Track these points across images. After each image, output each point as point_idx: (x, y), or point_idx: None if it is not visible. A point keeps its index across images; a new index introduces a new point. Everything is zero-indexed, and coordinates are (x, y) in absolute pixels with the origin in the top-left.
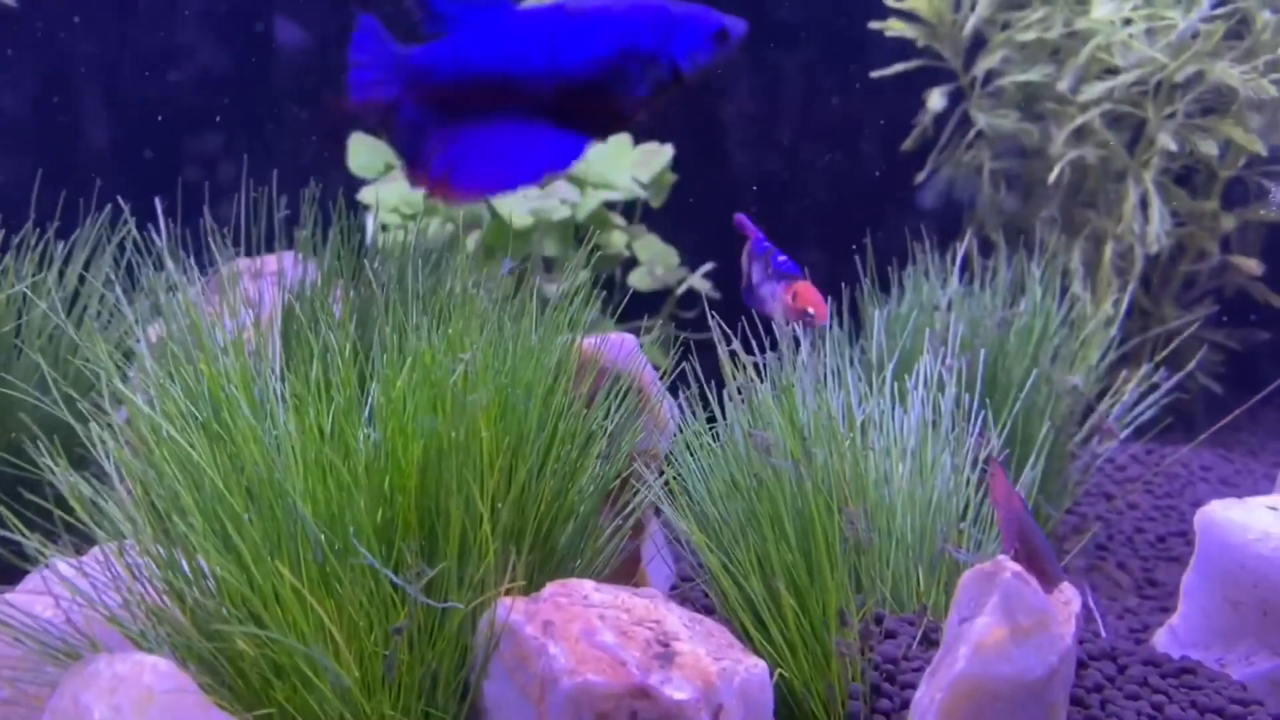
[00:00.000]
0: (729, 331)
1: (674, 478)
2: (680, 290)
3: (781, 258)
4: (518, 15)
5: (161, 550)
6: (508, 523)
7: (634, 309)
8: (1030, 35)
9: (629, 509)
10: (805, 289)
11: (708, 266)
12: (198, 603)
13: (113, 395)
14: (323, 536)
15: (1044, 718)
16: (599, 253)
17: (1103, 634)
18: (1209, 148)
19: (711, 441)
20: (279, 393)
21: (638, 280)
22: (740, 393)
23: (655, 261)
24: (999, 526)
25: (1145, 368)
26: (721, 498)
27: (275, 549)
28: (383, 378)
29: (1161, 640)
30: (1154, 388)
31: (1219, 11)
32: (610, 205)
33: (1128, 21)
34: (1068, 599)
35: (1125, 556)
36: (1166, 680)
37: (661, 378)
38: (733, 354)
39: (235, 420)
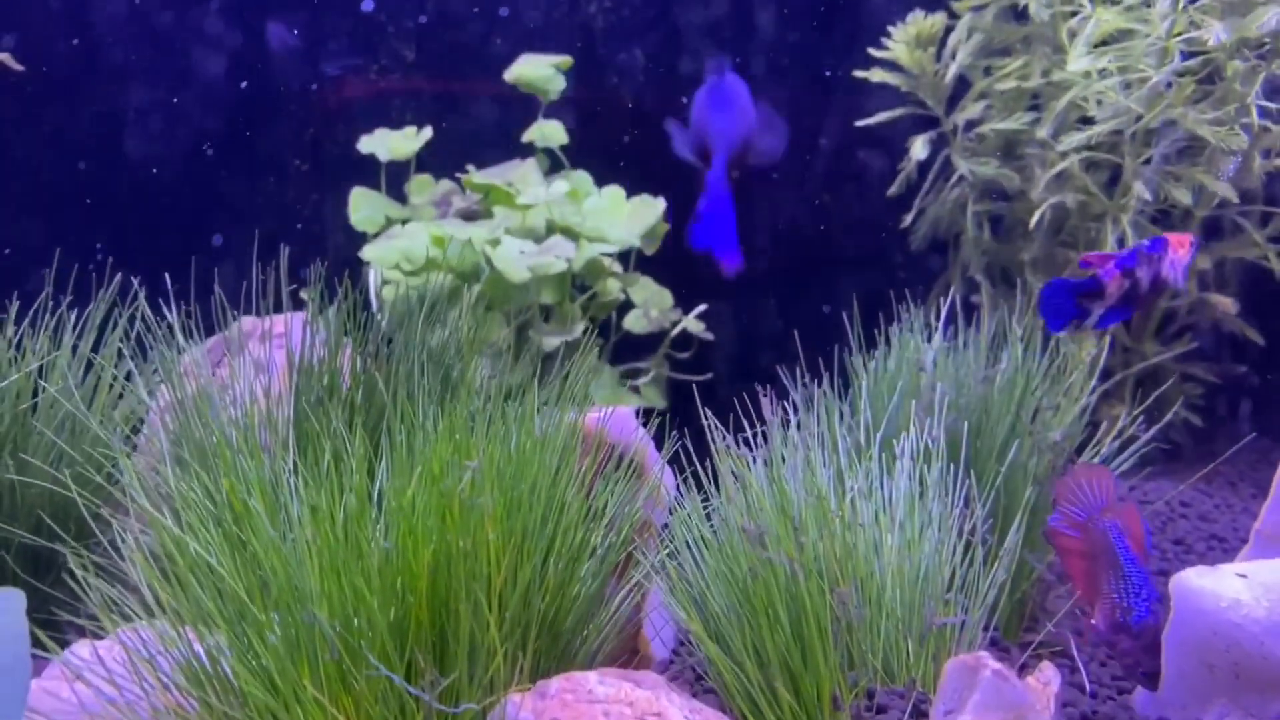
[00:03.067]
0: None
1: (668, 557)
2: (675, 332)
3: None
4: None
5: (183, 653)
6: (515, 615)
7: (628, 352)
8: (1009, 84)
9: (629, 584)
10: (1174, 239)
11: (701, 308)
12: (219, 710)
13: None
14: (338, 638)
15: None
16: (595, 299)
17: (1087, 687)
18: (1182, 194)
19: (704, 524)
20: (292, 486)
21: (633, 323)
22: (735, 477)
23: (650, 304)
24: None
25: (1124, 412)
26: (716, 582)
27: (294, 652)
28: (392, 483)
29: (1140, 700)
30: (1135, 437)
31: (1191, 63)
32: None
33: (1104, 72)
34: (1048, 679)
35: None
36: None
37: (654, 421)
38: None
39: (256, 531)
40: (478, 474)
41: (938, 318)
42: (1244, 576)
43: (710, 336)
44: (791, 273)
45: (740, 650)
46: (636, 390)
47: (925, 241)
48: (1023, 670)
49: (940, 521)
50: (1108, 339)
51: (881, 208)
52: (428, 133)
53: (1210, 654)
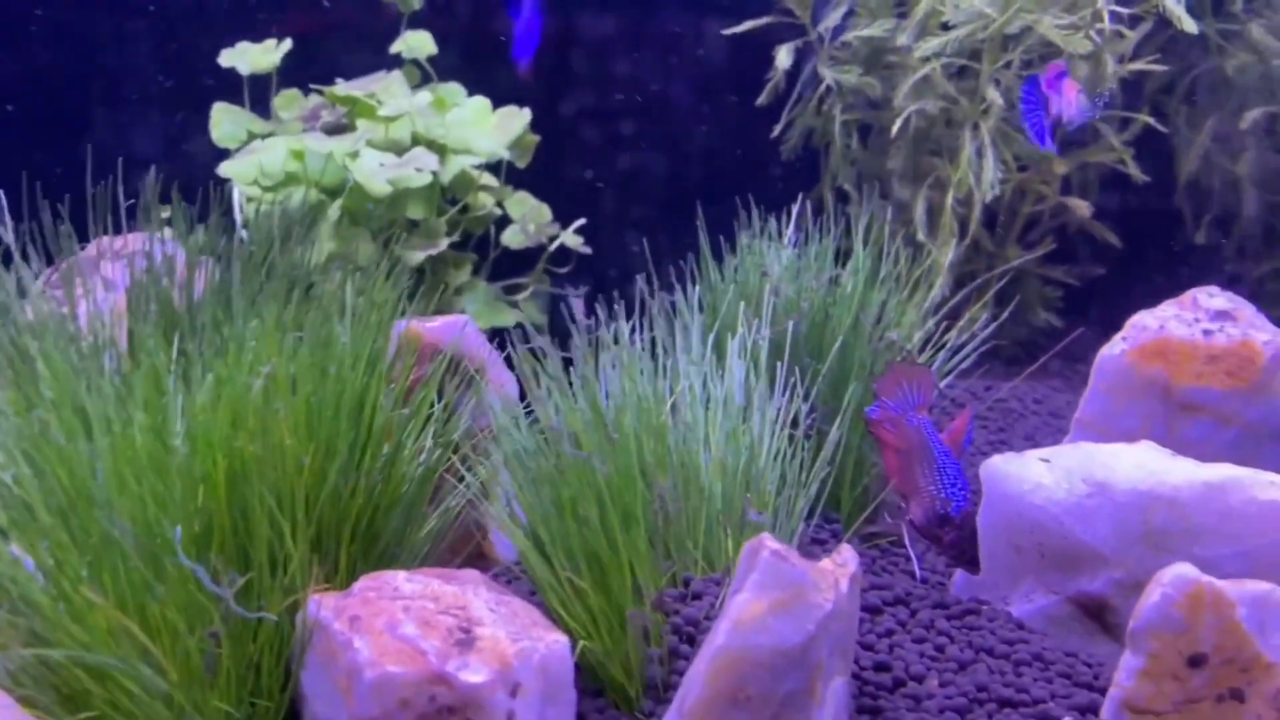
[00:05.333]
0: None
1: (482, 463)
2: (553, 247)
3: None
4: None
5: None
6: (328, 521)
7: (511, 268)
8: None
9: (457, 493)
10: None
11: (580, 222)
12: (15, 619)
13: None
14: (140, 547)
15: (806, 678)
16: (469, 214)
17: (918, 574)
18: None
19: (530, 430)
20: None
21: (510, 238)
22: (537, 380)
23: (527, 219)
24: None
25: (986, 313)
26: (533, 484)
27: (96, 560)
28: (186, 397)
29: (957, 582)
30: (983, 328)
31: None
32: (486, 168)
33: None
34: (844, 560)
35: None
36: (951, 623)
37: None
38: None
39: (47, 441)
40: (271, 380)
41: (811, 225)
42: (1046, 461)
43: (589, 250)
44: (666, 186)
45: (550, 545)
46: (515, 305)
47: (797, 151)
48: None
49: (764, 416)
50: (948, 252)
51: (756, 117)
52: (287, 44)
53: (1017, 535)
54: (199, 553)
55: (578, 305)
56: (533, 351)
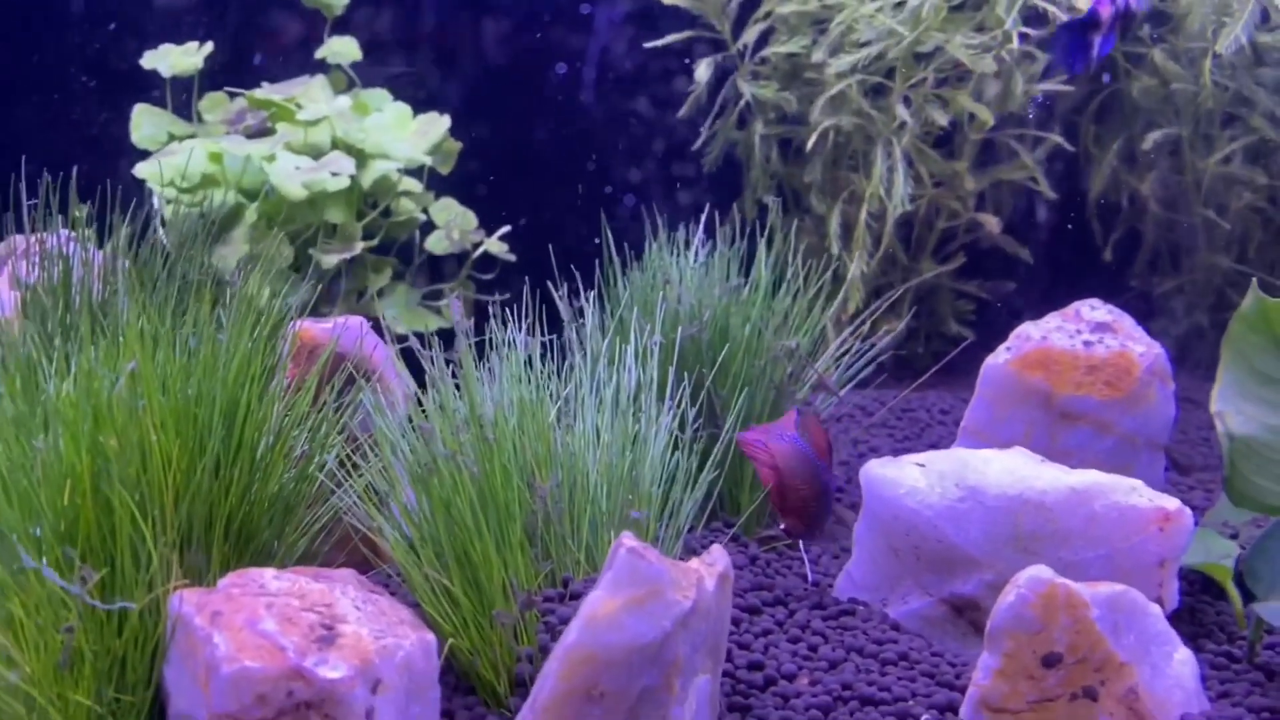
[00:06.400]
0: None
1: (364, 465)
2: (477, 254)
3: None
4: None
5: None
6: (198, 518)
7: (437, 274)
8: (790, 8)
9: (340, 494)
10: None
11: (504, 229)
12: None
13: None
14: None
15: (662, 674)
16: (390, 219)
17: (810, 577)
18: (940, 117)
19: (408, 433)
20: None
21: (435, 244)
22: (433, 384)
23: (452, 225)
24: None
25: (899, 325)
26: (414, 484)
27: None
28: (52, 391)
29: (840, 583)
30: (886, 340)
31: None
32: (412, 174)
33: None
34: (712, 560)
35: (858, 498)
36: (827, 623)
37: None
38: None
39: None
40: (135, 376)
41: (727, 236)
42: (922, 465)
43: (513, 258)
44: (586, 195)
45: (419, 544)
46: (437, 311)
47: (718, 164)
48: (756, 562)
49: (650, 418)
50: (856, 265)
51: (679, 130)
52: (209, 47)
53: (893, 538)
54: (60, 547)
55: (456, 308)
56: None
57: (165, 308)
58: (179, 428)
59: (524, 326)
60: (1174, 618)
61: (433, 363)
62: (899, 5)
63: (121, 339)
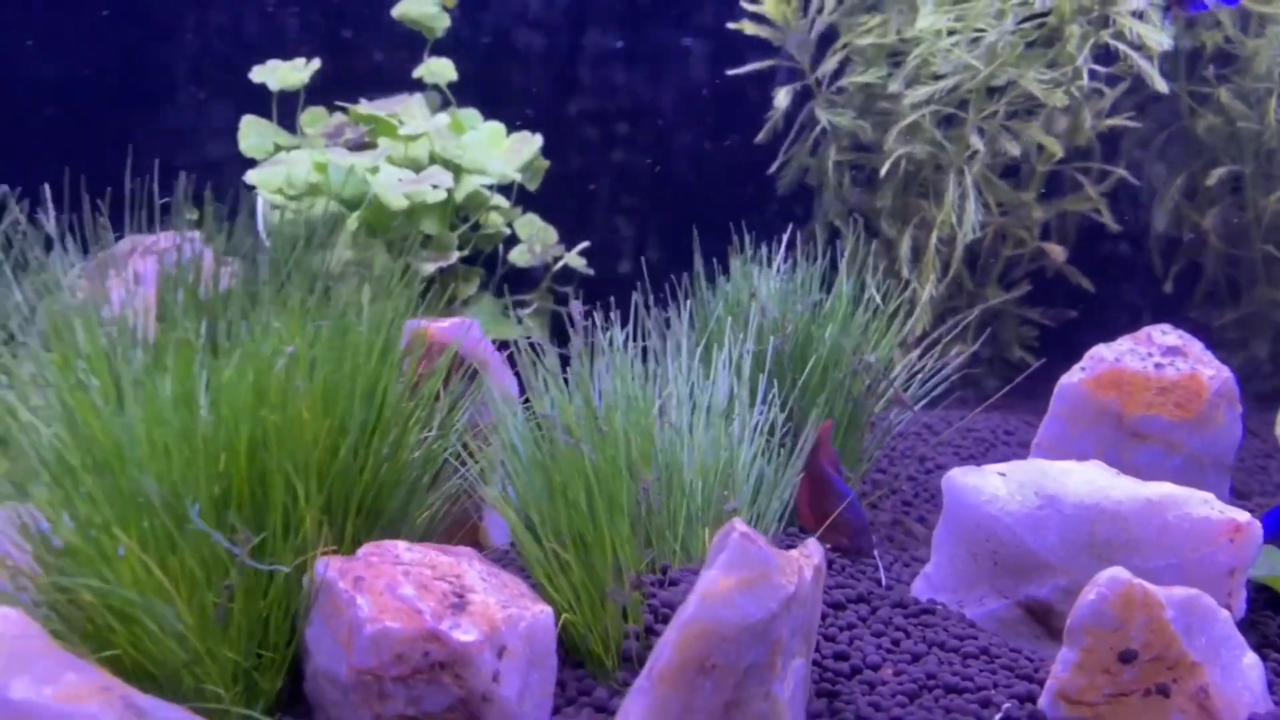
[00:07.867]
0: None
1: (480, 451)
2: (557, 267)
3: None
4: None
5: (21, 514)
6: (337, 493)
7: (519, 285)
8: (868, 40)
9: (456, 479)
10: None
11: (584, 245)
12: (49, 562)
13: None
14: (165, 506)
15: (767, 652)
16: (479, 232)
17: (884, 581)
18: (1012, 148)
19: (525, 420)
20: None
21: (518, 257)
22: (537, 374)
23: (534, 240)
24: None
25: (966, 349)
26: (527, 469)
27: (125, 517)
28: (215, 369)
29: (917, 586)
30: (955, 361)
31: (1025, 25)
32: (498, 189)
33: (952, 32)
34: (809, 553)
35: (926, 512)
36: (908, 620)
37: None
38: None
39: (82, 403)
40: (293, 359)
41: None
42: (1003, 475)
43: (591, 272)
44: (668, 213)
45: (540, 525)
46: (520, 320)
47: (792, 187)
48: (833, 565)
49: (743, 423)
50: (927, 287)
51: (758, 155)
52: (316, 64)
53: (973, 543)
54: (219, 513)
55: (577, 309)
56: (533, 347)
57: (297, 297)
58: (327, 408)
59: (626, 331)
60: (1238, 627)
61: (534, 366)
62: (974, 41)
63: (277, 325)
